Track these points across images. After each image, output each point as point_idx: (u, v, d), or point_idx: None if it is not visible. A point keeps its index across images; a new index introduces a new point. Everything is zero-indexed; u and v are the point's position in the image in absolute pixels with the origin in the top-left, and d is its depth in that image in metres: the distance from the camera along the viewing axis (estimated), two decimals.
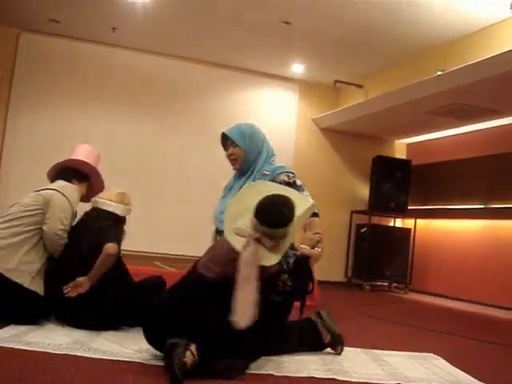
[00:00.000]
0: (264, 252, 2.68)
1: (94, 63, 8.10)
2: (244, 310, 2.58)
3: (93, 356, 2.78)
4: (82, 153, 3.96)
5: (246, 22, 6.91)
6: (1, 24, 7.64)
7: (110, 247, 3.42)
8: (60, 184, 3.73)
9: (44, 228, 3.50)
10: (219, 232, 3.45)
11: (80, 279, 3.44)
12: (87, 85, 8.04)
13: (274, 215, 2.68)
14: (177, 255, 7.73)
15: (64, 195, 3.61)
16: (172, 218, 7.88)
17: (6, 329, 3.18)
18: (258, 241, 2.67)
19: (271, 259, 2.69)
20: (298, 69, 8.41)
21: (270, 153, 3.53)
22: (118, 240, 3.55)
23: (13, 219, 3.50)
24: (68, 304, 3.47)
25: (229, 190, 3.59)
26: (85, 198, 3.94)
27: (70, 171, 3.87)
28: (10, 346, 2.80)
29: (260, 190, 2.84)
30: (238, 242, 2.71)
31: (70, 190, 3.71)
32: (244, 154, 3.45)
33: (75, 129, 7.77)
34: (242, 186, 3.37)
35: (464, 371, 3.21)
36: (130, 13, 6.84)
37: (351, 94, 8.74)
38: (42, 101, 7.86)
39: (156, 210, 7.75)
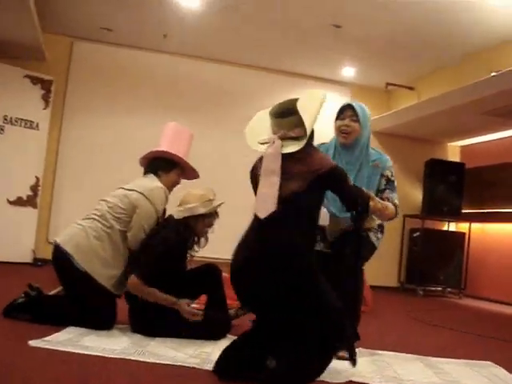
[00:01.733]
0: (286, 142, 2.80)
1: (145, 70, 8.19)
2: (265, 202, 2.69)
3: (147, 360, 2.82)
4: (170, 138, 3.92)
5: (296, 26, 6.90)
6: (55, 33, 7.79)
7: (129, 282, 3.41)
8: (149, 186, 3.66)
9: (127, 234, 3.54)
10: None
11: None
12: (139, 91, 8.13)
13: (277, 105, 2.87)
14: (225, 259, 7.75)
15: (150, 201, 3.58)
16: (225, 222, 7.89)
17: (62, 332, 3.24)
18: (279, 138, 2.81)
19: (294, 146, 2.78)
20: (348, 72, 8.35)
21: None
22: (144, 270, 3.40)
23: (99, 216, 3.57)
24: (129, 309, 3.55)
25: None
26: (176, 184, 3.92)
27: (157, 162, 3.83)
28: (66, 349, 2.86)
29: None
30: (263, 148, 2.85)
31: (156, 194, 3.64)
32: (360, 131, 3.47)
33: (128, 135, 7.88)
34: (353, 171, 3.42)
35: None
36: (180, 19, 6.90)
37: (403, 96, 8.63)
38: (95, 108, 8.00)
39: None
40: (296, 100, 2.83)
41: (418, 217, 8.65)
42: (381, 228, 3.57)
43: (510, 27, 6.30)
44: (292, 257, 2.64)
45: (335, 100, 8.83)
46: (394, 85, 8.50)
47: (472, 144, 9.18)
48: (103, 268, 3.46)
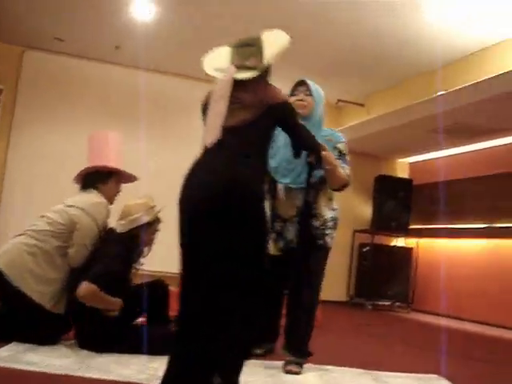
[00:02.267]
0: (241, 70, 2.75)
1: (97, 81, 8.12)
2: (213, 128, 2.63)
3: (92, 376, 2.76)
4: (97, 149, 3.86)
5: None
6: (5, 42, 7.67)
7: (82, 288, 3.27)
8: (89, 201, 3.60)
9: (69, 251, 3.46)
10: (275, 182, 3.54)
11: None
12: (90, 102, 8.05)
13: (238, 39, 2.90)
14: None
15: (91, 216, 3.52)
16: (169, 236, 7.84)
17: (6, 347, 3.16)
18: (235, 66, 2.76)
19: (247, 74, 2.74)
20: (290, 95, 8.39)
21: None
22: (99, 276, 3.31)
23: (35, 231, 3.49)
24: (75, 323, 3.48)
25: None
26: (117, 193, 3.87)
27: (92, 176, 3.76)
28: (9, 365, 2.78)
29: None
30: (220, 75, 2.80)
31: (97, 208, 3.59)
32: (313, 105, 3.54)
33: (78, 145, 7.72)
34: None
35: None
36: (133, 31, 6.87)
37: (353, 113, 8.75)
38: (45, 118, 7.87)
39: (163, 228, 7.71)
40: (258, 36, 2.89)
41: (368, 232, 8.75)
42: (334, 223, 3.57)
43: (458, 48, 6.47)
44: (243, 192, 2.48)
45: None
46: (345, 101, 8.62)
47: (420, 161, 9.35)
48: (37, 284, 3.36)
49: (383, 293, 8.58)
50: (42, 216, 3.60)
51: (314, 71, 7.71)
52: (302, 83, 3.62)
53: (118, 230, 3.54)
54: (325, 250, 3.56)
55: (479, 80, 5.89)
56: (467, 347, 5.45)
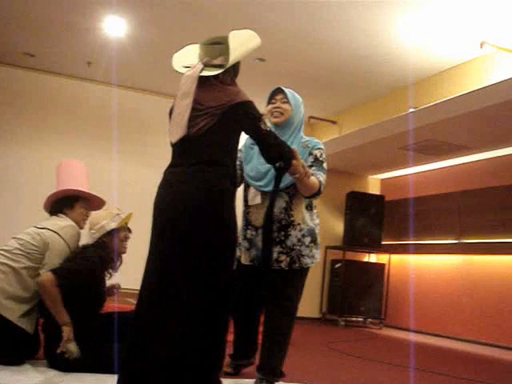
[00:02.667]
0: (208, 68, 2.82)
1: (68, 97, 8.08)
2: (177, 125, 2.75)
3: None
4: (64, 176, 3.90)
5: None
6: None
7: (43, 276, 3.29)
8: (60, 224, 3.64)
9: (40, 272, 3.43)
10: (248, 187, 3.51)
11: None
12: (61, 119, 8.01)
13: (209, 37, 2.94)
14: None
15: (63, 239, 3.55)
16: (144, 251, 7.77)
17: None
18: (203, 63, 2.83)
19: (212, 72, 2.80)
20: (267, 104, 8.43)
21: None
22: (63, 272, 3.33)
23: (6, 251, 3.48)
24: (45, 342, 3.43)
25: None
26: (85, 217, 3.88)
27: (59, 201, 3.80)
28: None
29: None
30: (185, 71, 2.88)
31: (68, 231, 3.62)
32: (291, 114, 3.50)
33: (48, 162, 7.65)
34: (287, 142, 3.30)
35: None
36: (105, 47, 6.85)
37: (325, 129, 8.81)
38: (16, 134, 7.79)
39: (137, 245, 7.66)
40: (228, 35, 2.90)
41: (340, 248, 8.77)
42: (313, 241, 3.47)
43: (429, 65, 6.57)
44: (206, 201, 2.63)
45: None
46: (317, 118, 8.67)
47: (392, 177, 9.42)
48: (7, 301, 3.34)
49: (356, 309, 8.58)
50: (14, 237, 3.61)
51: (287, 88, 7.76)
52: (278, 91, 3.60)
53: (88, 241, 3.59)
54: (302, 274, 3.45)
55: (449, 97, 5.97)
56: (439, 363, 5.47)
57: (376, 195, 9.25)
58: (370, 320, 8.83)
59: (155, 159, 8.32)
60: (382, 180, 9.71)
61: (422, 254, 8.44)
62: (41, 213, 3.90)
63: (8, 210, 7.39)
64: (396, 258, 8.94)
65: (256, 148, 3.29)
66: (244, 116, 2.77)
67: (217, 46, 2.88)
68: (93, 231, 3.60)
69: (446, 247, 7.91)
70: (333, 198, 8.95)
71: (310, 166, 3.36)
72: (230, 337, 3.47)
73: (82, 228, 3.79)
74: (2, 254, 3.48)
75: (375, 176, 9.63)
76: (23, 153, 7.79)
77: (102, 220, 3.61)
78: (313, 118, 8.62)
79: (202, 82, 2.78)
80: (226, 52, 2.84)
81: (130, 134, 8.30)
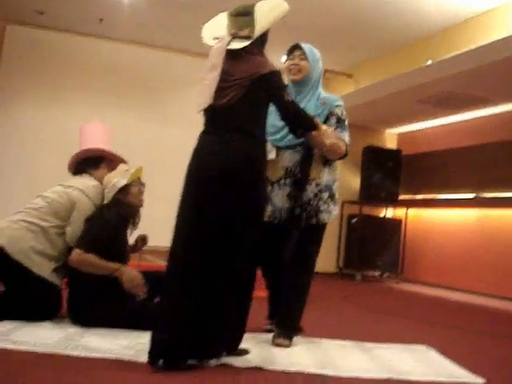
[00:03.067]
0: (235, 40, 2.88)
1: (81, 55, 8.00)
2: (203, 95, 2.81)
3: (80, 354, 2.74)
4: (86, 138, 3.95)
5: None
6: None
7: (72, 254, 3.35)
8: (86, 183, 3.71)
9: (67, 229, 3.53)
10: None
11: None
12: (74, 76, 7.94)
13: (237, 7, 2.96)
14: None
15: (89, 197, 3.63)
16: (163, 209, 7.80)
17: None
18: (230, 35, 2.88)
19: (239, 44, 2.86)
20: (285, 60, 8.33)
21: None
22: (86, 240, 3.37)
23: (34, 209, 3.54)
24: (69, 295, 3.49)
25: None
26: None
27: (83, 162, 3.86)
28: None
29: None
30: (214, 43, 2.94)
31: (94, 190, 3.69)
32: (309, 69, 3.48)
33: (63, 120, 7.66)
34: (300, 97, 3.42)
35: (456, 363, 3.19)
36: (116, 3, 6.75)
37: (341, 83, 8.68)
38: (29, 93, 7.75)
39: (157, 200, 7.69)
40: (254, 5, 2.93)
41: (356, 203, 8.75)
42: (330, 196, 3.45)
43: (446, 16, 6.41)
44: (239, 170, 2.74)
45: None
46: (332, 72, 8.55)
47: (409, 131, 9.33)
48: (39, 258, 3.42)
49: (372, 263, 8.61)
50: (39, 196, 3.66)
51: (298, 40, 7.65)
52: (296, 47, 3.57)
53: (106, 200, 3.63)
54: (319, 229, 3.47)
55: (468, 49, 5.84)
56: (456, 317, 5.48)
57: (393, 150, 9.19)
58: (386, 274, 8.85)
59: (174, 117, 8.35)
60: (399, 134, 9.62)
61: (439, 208, 8.41)
62: (61, 172, 3.96)
63: (29, 171, 7.42)
64: (413, 213, 8.90)
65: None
66: (270, 87, 2.86)
67: (243, 18, 2.90)
68: (106, 190, 3.63)
69: (463, 201, 7.85)
70: (349, 153, 8.85)
71: (335, 129, 3.36)
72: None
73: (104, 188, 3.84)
74: (30, 213, 3.53)
75: (392, 130, 9.54)
76: (36, 113, 7.75)
77: (113, 178, 3.64)
78: (328, 71, 8.48)
79: (230, 53, 2.85)
80: (252, 23, 2.87)
81: (144, 91, 8.25)
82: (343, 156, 3.41)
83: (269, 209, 3.40)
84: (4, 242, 3.37)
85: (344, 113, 3.50)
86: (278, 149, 3.40)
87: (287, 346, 3.32)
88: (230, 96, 2.79)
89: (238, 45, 2.84)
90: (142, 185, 3.76)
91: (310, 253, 3.48)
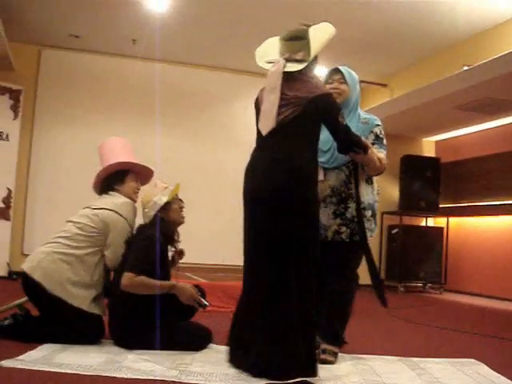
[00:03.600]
0: (290, 63, 3.01)
1: (115, 76, 8.10)
2: (267, 118, 2.96)
3: (124, 376, 2.73)
4: (107, 154, 3.87)
5: (267, 26, 6.84)
6: (22, 41, 7.67)
7: (123, 278, 3.31)
8: (116, 202, 3.62)
9: (106, 253, 3.48)
10: None
11: None
12: (109, 98, 8.05)
13: (288, 31, 3.10)
14: (207, 264, 7.72)
15: (121, 215, 3.55)
16: (201, 227, 7.83)
17: (36, 350, 3.14)
18: (285, 59, 3.02)
19: (295, 67, 2.99)
20: (321, 71, 8.30)
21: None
22: (135, 264, 3.33)
23: (66, 238, 3.47)
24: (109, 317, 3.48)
25: None
26: (137, 190, 3.87)
27: (107, 180, 3.77)
28: (40, 368, 2.75)
29: None
30: (269, 66, 3.06)
31: (125, 207, 3.61)
32: (349, 92, 3.54)
33: (99, 141, 7.72)
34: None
35: (507, 378, 3.09)
36: (149, 24, 6.82)
37: (376, 93, 8.62)
38: (66, 117, 7.87)
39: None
40: (306, 28, 3.08)
41: (396, 213, 8.64)
42: (373, 215, 3.54)
43: (481, 21, 6.32)
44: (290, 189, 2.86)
45: None
46: (367, 82, 8.49)
47: (446, 139, 9.20)
48: (77, 290, 3.37)
49: (415, 274, 8.48)
50: (69, 221, 3.59)
51: (334, 53, 7.61)
52: (335, 71, 3.63)
53: (145, 221, 3.59)
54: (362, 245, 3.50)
55: (505, 52, 5.73)
56: (505, 328, 5.33)
57: (431, 158, 9.08)
58: (429, 285, 8.72)
59: (200, 132, 8.37)
60: (437, 142, 9.49)
61: (481, 215, 8.25)
62: (92, 192, 3.90)
63: (68, 191, 7.51)
64: (454, 221, 8.75)
65: None
66: (325, 108, 2.99)
67: (297, 42, 3.03)
68: (146, 210, 3.59)
69: (506, 208, 7.68)
70: (387, 163, 8.77)
71: (372, 145, 3.44)
72: None
73: (135, 202, 3.77)
74: (63, 243, 3.45)
75: (429, 138, 9.42)
76: (73, 134, 7.86)
77: (152, 197, 3.59)
78: (363, 81, 8.40)
79: (286, 75, 2.98)
80: (306, 47, 3.01)
81: (179, 109, 8.30)
82: (381, 173, 3.50)
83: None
84: (40, 277, 3.33)
85: (382, 132, 3.60)
86: (325, 170, 3.48)
87: (332, 363, 3.28)
88: (286, 114, 2.93)
89: (294, 67, 2.98)
90: (181, 201, 3.74)
91: (353, 267, 3.53)
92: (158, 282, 3.34)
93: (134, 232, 3.61)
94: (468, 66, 6.21)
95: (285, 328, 2.77)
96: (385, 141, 3.58)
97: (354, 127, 3.44)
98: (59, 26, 7.25)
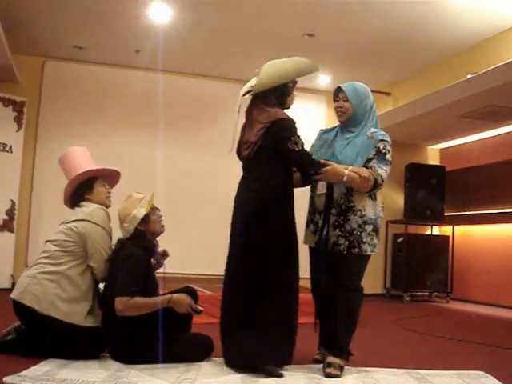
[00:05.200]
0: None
1: (118, 86, 8.10)
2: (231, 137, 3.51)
3: None
4: (68, 166, 3.81)
5: (269, 36, 6.86)
6: (25, 53, 7.68)
7: (116, 304, 3.25)
8: (86, 210, 3.57)
9: (91, 263, 3.45)
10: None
11: None
12: (113, 108, 8.05)
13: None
14: (212, 275, 7.69)
15: (94, 223, 3.49)
16: (203, 238, 7.81)
17: (38, 365, 3.12)
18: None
19: (246, 95, 3.50)
20: (324, 80, 8.30)
21: (376, 118, 3.69)
22: (124, 288, 3.27)
23: (48, 257, 3.45)
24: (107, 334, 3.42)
25: (331, 140, 3.65)
26: (108, 194, 3.80)
27: (76, 191, 3.71)
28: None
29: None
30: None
31: (96, 213, 3.55)
32: (352, 110, 3.58)
33: (103, 152, 7.69)
34: (348, 140, 3.55)
35: None
36: (152, 34, 6.81)
37: (380, 102, 8.57)
38: (69, 128, 7.85)
39: (186, 231, 7.72)
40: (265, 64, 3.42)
41: (401, 222, 8.60)
42: (375, 230, 3.50)
43: (483, 28, 6.30)
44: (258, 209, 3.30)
45: (312, 108, 8.86)
46: (371, 91, 8.47)
47: (451, 146, 9.16)
48: (69, 306, 3.34)
49: (421, 283, 8.42)
50: (47, 241, 3.56)
51: (338, 62, 7.61)
52: (339, 90, 3.68)
53: (125, 235, 3.51)
54: (361, 260, 3.49)
55: (509, 60, 5.70)
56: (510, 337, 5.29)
57: (436, 166, 9.04)
58: (435, 294, 8.66)
59: (206, 144, 8.36)
60: (442, 150, 9.45)
61: (487, 223, 8.19)
62: None
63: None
64: (460, 230, 8.70)
65: (318, 144, 3.75)
66: (275, 139, 3.28)
67: (257, 71, 3.41)
68: (126, 224, 3.49)
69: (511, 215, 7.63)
70: (392, 171, 8.68)
71: (371, 159, 3.46)
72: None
73: (108, 206, 3.71)
74: (45, 263, 3.44)
75: (434, 146, 9.37)
76: (76, 144, 7.70)
77: (130, 210, 3.50)
78: None
79: (253, 103, 3.45)
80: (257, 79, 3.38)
81: (180, 119, 8.31)
82: (374, 187, 3.41)
83: (317, 236, 3.54)
84: (30, 302, 3.31)
85: (387, 147, 3.55)
86: (328, 184, 3.51)
87: (338, 376, 3.26)
88: (249, 149, 3.36)
89: (243, 92, 3.48)
90: (158, 210, 3.66)
91: (352, 277, 3.48)
92: (153, 300, 3.30)
93: (113, 247, 3.55)
94: (472, 73, 6.18)
95: (261, 326, 3.20)
96: (388, 156, 3.52)
97: (359, 141, 3.49)
98: (62, 38, 7.26)
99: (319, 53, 7.19)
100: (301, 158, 3.31)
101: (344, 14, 6.16)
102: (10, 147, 7.23)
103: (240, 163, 3.54)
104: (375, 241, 3.49)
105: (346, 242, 3.41)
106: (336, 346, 3.41)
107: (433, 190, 8.56)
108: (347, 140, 3.54)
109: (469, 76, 6.21)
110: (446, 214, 8.61)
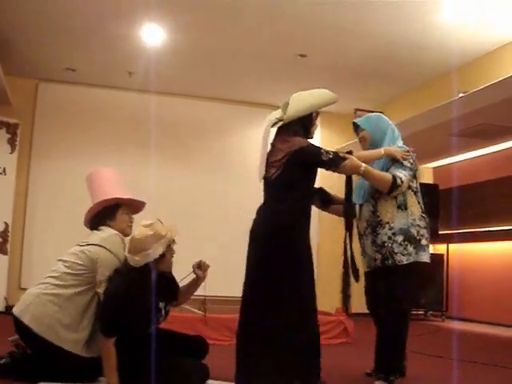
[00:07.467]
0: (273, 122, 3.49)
1: (111, 108, 8.13)
2: (260, 166, 3.49)
3: None
4: (96, 188, 3.76)
5: (262, 57, 6.90)
6: (19, 75, 7.71)
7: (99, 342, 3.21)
8: (103, 236, 3.49)
9: (98, 290, 3.33)
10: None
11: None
12: (106, 130, 8.08)
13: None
14: (207, 296, 7.64)
15: (108, 250, 3.40)
16: (200, 257, 7.77)
17: None
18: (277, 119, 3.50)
19: (276, 125, 3.49)
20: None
21: (396, 135, 3.96)
22: (103, 319, 3.22)
23: (56, 278, 3.38)
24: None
25: None
26: (130, 223, 3.72)
27: (99, 215, 3.64)
28: None
29: None
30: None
31: (112, 240, 3.46)
32: (370, 135, 3.86)
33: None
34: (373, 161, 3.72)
35: None
36: (145, 56, 6.85)
37: None
38: (63, 150, 7.89)
39: (183, 250, 7.67)
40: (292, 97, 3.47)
41: None
42: (407, 239, 3.56)
43: (474, 47, 6.36)
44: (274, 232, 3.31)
45: None
46: (363, 110, 8.50)
47: (444, 165, 9.19)
48: (68, 334, 3.28)
49: None
50: (60, 260, 3.50)
51: (330, 82, 7.63)
52: (355, 124, 4.01)
53: (132, 264, 3.26)
54: (399, 271, 3.53)
55: (500, 79, 5.74)
56: (509, 356, 5.25)
57: (429, 184, 9.04)
58: (431, 312, 8.64)
59: (202, 165, 8.36)
60: (434, 168, 9.48)
61: (482, 241, 8.21)
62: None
63: (61, 225, 7.48)
64: (454, 248, 8.71)
65: None
66: (305, 156, 3.34)
67: (286, 104, 3.43)
68: (137, 258, 3.22)
69: (507, 233, 7.64)
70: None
71: (389, 168, 3.66)
72: None
73: (128, 235, 3.57)
74: (51, 283, 3.37)
75: (427, 165, 9.40)
76: (70, 166, 7.83)
77: (147, 246, 3.20)
78: (359, 110, 8.44)
79: (279, 133, 3.49)
80: (285, 111, 3.42)
81: (178, 141, 8.32)
82: (393, 187, 3.54)
83: (366, 259, 3.75)
84: (29, 321, 3.26)
85: (405, 158, 3.75)
86: (360, 206, 3.78)
87: None
88: (273, 172, 3.38)
89: (272, 123, 3.45)
90: (175, 243, 3.44)
91: (400, 298, 3.52)
92: (111, 367, 3.18)
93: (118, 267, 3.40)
94: (463, 92, 6.22)
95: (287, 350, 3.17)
96: (406, 162, 3.70)
97: (382, 162, 3.68)
98: (56, 60, 7.29)
99: (312, 73, 7.23)
100: (331, 160, 3.39)
101: (336, 34, 6.21)
102: (4, 169, 7.23)
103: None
104: (409, 249, 3.53)
105: (379, 256, 3.56)
106: (382, 369, 3.57)
107: (427, 209, 8.52)
108: (372, 164, 3.69)
109: (460, 95, 6.25)
110: (440, 232, 8.61)
